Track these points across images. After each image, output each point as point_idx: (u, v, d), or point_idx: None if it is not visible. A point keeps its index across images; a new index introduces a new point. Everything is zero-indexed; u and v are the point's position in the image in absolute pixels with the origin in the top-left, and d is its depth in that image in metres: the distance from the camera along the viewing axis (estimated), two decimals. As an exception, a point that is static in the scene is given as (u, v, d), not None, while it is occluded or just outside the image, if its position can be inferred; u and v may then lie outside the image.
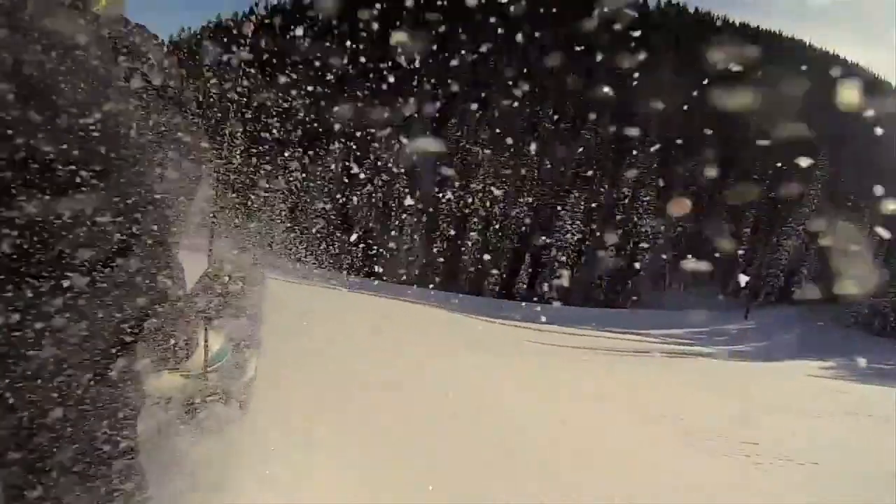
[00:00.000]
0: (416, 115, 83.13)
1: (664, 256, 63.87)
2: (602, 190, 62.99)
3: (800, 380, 20.87)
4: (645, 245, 60.14)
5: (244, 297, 2.28)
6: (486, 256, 57.33)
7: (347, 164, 67.62)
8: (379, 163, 59.64)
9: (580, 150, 67.17)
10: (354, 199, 62.27)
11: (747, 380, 18.68)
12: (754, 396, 13.83)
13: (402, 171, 60.96)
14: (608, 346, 26.65)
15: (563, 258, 56.40)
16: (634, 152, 66.02)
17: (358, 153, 68.38)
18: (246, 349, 2.19)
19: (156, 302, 1.14)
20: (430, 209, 60.97)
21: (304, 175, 62.96)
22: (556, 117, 76.48)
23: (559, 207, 59.05)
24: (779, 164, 63.52)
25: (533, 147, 64.17)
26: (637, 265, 59.43)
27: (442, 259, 58.01)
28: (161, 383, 1.82)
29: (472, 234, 57.24)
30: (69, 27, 0.94)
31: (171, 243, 1.27)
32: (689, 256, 65.11)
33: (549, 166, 63.86)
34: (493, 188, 58.52)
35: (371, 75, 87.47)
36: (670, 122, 77.40)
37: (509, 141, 64.03)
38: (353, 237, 59.29)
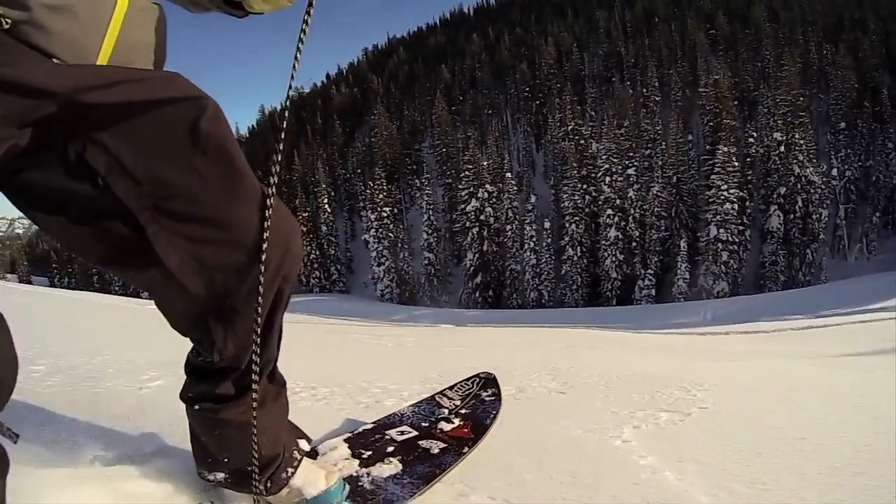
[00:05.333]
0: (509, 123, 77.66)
1: (840, 213, 48.02)
2: (751, 139, 47.79)
3: None
4: (815, 200, 44.00)
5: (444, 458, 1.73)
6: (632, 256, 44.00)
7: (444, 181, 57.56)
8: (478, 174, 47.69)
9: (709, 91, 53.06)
10: (459, 222, 50.54)
11: None
12: None
13: (509, 176, 48.77)
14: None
15: (725, 235, 41.47)
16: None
17: (452, 171, 57.68)
18: None
19: None
20: (551, 212, 48.59)
21: (396, 210, 52.73)
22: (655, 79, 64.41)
23: (706, 171, 44.71)
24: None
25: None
26: (815, 229, 43.54)
27: (578, 269, 44.90)
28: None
29: (608, 230, 43.59)
30: None
31: None
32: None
33: (677, 125, 49.67)
34: (620, 168, 44.97)
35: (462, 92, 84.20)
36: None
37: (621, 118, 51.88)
38: (468, 266, 47.85)
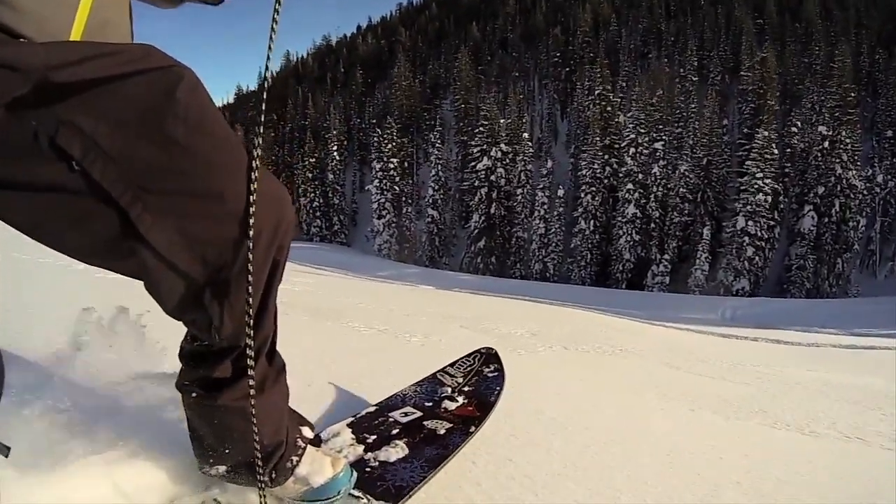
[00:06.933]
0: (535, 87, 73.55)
1: (875, 226, 43.56)
2: (794, 128, 43.42)
3: None
4: (854, 206, 39.79)
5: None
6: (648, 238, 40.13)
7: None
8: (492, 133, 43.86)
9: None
10: (468, 181, 46.85)
11: None
12: None
13: (526, 136, 44.87)
14: None
15: (754, 229, 37.48)
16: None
17: (469, 128, 53.82)
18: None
19: None
20: (567, 181, 44.72)
21: (406, 164, 49.37)
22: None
23: (742, 156, 40.64)
24: None
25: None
26: (850, 238, 39.43)
27: (589, 244, 41.21)
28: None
29: (626, 207, 39.68)
30: None
31: None
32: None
33: (713, 106, 45.33)
34: (647, 140, 40.92)
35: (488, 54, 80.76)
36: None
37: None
38: (472, 228, 44.26)
